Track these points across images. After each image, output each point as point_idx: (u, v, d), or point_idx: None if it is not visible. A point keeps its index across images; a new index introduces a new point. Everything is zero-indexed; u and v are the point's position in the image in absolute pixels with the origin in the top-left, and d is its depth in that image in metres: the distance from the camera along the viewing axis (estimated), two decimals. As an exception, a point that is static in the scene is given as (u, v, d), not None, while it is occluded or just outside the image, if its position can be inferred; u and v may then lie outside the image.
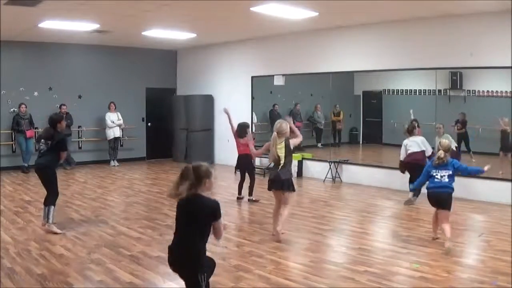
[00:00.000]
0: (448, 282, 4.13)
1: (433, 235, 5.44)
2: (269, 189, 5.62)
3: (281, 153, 5.44)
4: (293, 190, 5.55)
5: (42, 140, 5.85)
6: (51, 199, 5.82)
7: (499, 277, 4.21)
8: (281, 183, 5.47)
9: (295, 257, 4.99)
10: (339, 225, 6.29)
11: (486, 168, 5.29)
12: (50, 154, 5.81)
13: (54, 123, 5.85)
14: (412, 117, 8.65)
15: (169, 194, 3.12)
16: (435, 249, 5.03)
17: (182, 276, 3.11)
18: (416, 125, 8.03)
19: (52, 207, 5.77)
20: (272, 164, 5.65)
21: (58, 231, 5.67)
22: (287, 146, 5.45)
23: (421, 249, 5.08)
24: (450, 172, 5.11)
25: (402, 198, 7.65)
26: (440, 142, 5.30)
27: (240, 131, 7.65)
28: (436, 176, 5.13)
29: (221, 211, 3.09)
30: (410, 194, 7.46)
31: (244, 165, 7.73)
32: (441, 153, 5.14)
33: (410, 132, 7.59)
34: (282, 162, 5.45)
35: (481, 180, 7.66)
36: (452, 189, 5.13)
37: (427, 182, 5.28)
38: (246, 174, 7.75)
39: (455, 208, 7.00)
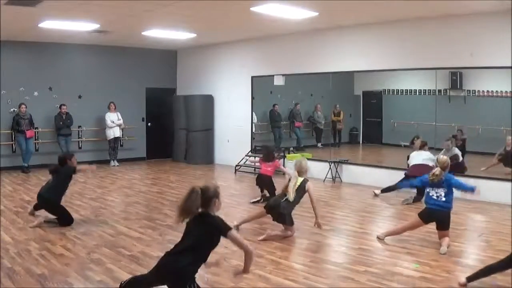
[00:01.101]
0: (448, 282, 4.13)
1: (381, 236, 5.40)
2: (266, 212, 5.65)
3: (293, 189, 5.45)
4: (291, 224, 5.53)
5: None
6: (63, 223, 5.96)
7: (499, 277, 4.21)
8: (277, 215, 5.52)
9: (295, 257, 4.99)
10: (339, 225, 6.28)
11: (477, 190, 5.17)
12: (56, 187, 6.02)
13: (63, 162, 6.11)
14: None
15: (177, 220, 3.11)
16: (435, 249, 5.03)
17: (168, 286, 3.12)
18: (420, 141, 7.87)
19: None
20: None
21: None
22: (301, 188, 5.47)
23: (421, 249, 5.08)
24: (446, 190, 5.04)
25: (402, 198, 7.65)
26: (437, 158, 5.25)
27: (267, 156, 7.74)
28: (433, 195, 5.09)
29: (224, 220, 3.11)
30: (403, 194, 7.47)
31: (264, 185, 7.61)
32: (437, 170, 5.06)
33: (422, 147, 7.61)
34: (290, 197, 5.44)
35: (481, 180, 7.65)
36: (450, 207, 5.08)
37: (425, 198, 5.23)
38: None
39: (455, 208, 7.03)
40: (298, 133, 11.95)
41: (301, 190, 5.50)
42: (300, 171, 5.57)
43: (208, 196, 3.09)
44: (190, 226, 3.12)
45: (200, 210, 3.11)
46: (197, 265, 3.11)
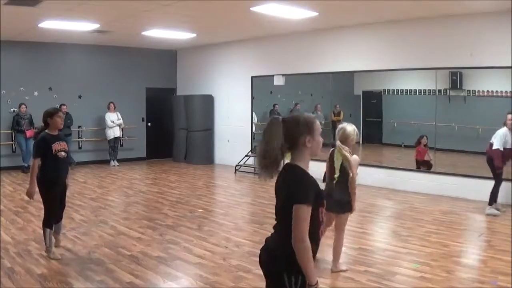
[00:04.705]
0: (448, 282, 4.14)
1: None
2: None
3: (338, 164, 4.54)
4: (348, 210, 4.47)
5: None
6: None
7: (499, 277, 4.21)
8: (331, 204, 3.97)
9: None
10: (339, 225, 6.27)
11: None
12: None
13: None
14: None
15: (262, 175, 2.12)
16: (435, 249, 5.03)
17: (265, 275, 2.25)
18: None
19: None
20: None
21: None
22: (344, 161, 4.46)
23: (421, 249, 5.08)
24: None
25: (402, 198, 7.66)
26: None
27: None
28: None
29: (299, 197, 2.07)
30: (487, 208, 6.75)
31: None
32: None
33: None
34: (336, 176, 4.60)
35: (481, 180, 7.64)
36: None
37: None
38: None
39: (456, 208, 7.04)
40: (298, 133, 11.93)
41: (343, 165, 4.48)
42: (344, 140, 4.49)
43: (294, 131, 2.10)
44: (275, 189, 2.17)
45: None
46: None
